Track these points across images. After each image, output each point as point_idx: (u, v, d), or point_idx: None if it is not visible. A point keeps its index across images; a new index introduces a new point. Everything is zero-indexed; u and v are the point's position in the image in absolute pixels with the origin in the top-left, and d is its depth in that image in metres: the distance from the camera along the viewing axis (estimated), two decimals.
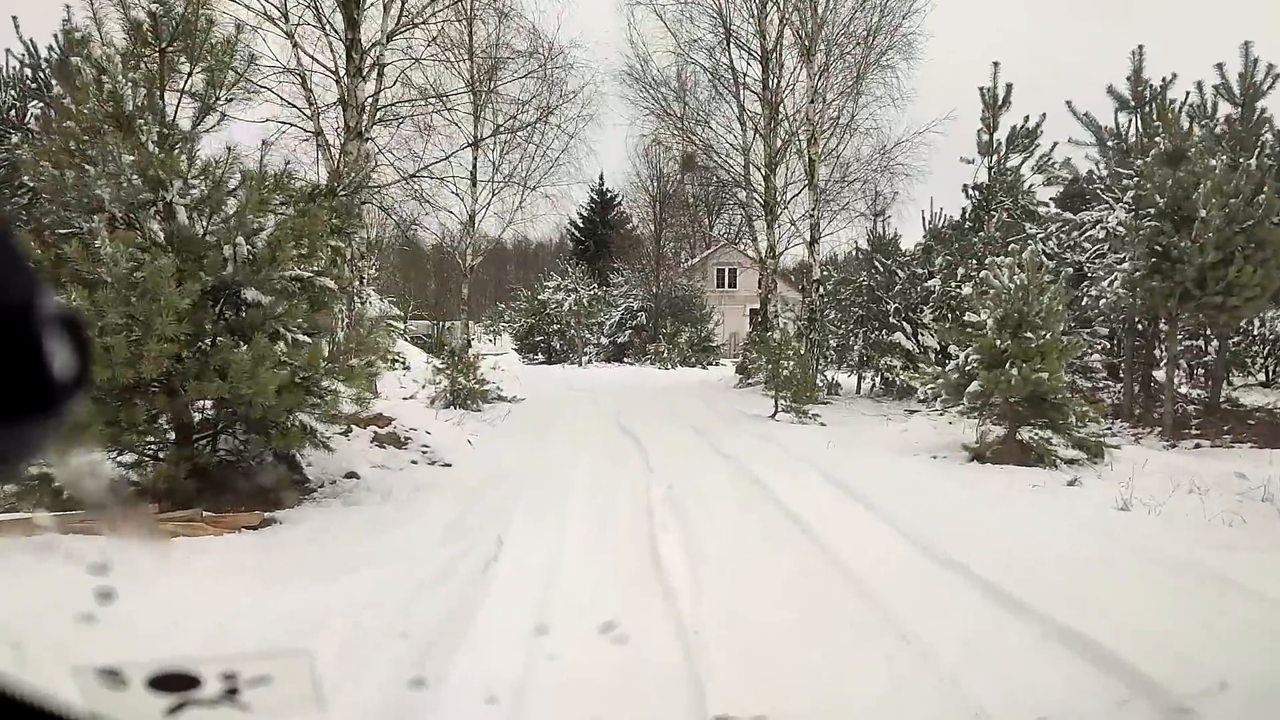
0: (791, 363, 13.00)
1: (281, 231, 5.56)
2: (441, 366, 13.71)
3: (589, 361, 29.85)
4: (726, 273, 36.94)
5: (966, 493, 7.00)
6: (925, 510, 5.88)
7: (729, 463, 8.49)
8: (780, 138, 17.90)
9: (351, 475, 6.49)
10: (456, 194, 19.63)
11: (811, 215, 17.70)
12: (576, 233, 41.74)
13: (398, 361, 23.27)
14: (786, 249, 19.03)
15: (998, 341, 9.04)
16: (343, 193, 6.53)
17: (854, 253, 18.31)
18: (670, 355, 27.67)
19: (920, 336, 16.40)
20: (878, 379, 16.85)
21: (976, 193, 15.17)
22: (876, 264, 16.67)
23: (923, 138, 17.52)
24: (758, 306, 23.62)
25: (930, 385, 9.60)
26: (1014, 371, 8.83)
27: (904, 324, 16.29)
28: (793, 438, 10.49)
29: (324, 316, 6.08)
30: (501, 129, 17.42)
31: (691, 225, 36.49)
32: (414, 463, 7.12)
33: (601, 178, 40.02)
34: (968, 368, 9.36)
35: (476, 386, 13.77)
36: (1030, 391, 8.82)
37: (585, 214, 41.16)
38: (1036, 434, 9.04)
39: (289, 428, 5.97)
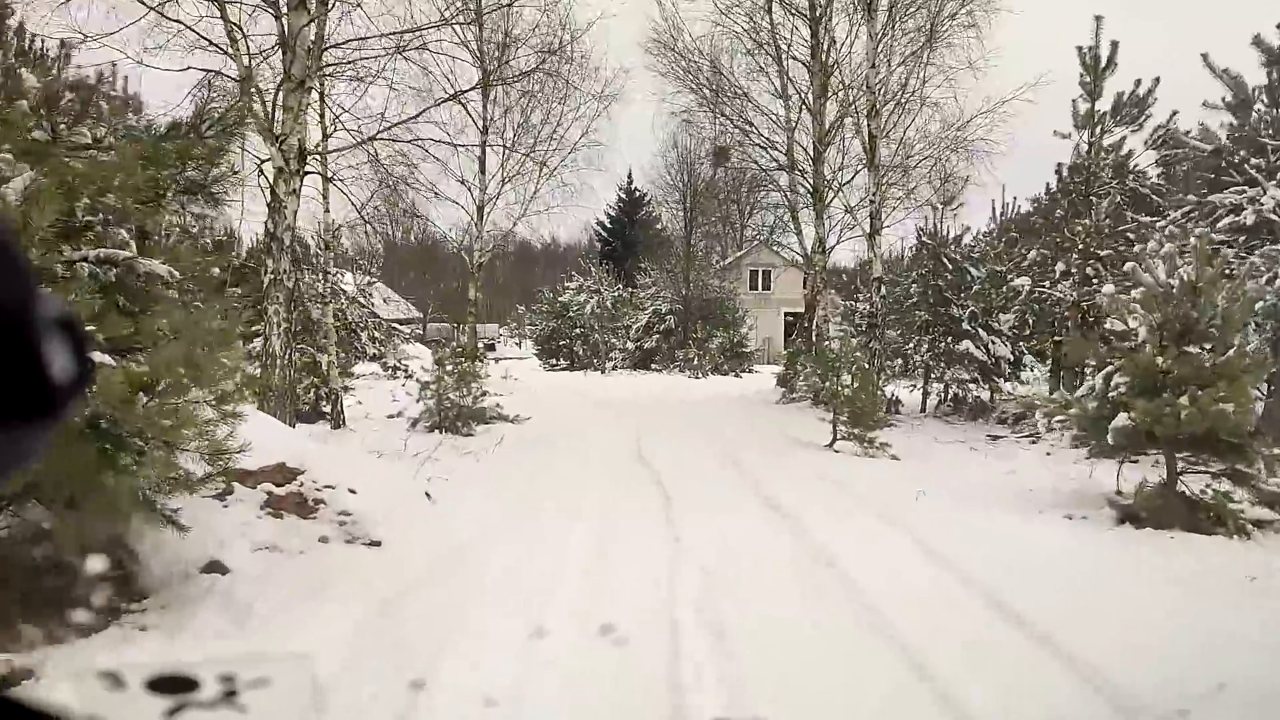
0: (853, 379, 10.54)
1: (53, 178, 3.27)
2: (429, 380, 11.43)
3: (614, 368, 27.50)
4: (760, 274, 34.16)
5: (1174, 594, 4.52)
6: (1151, 649, 3.44)
7: (787, 527, 6.10)
8: (832, 113, 15.37)
9: (213, 567, 4.17)
10: (463, 182, 17.42)
11: (872, 201, 15.09)
12: (604, 233, 39.78)
13: (399, 369, 21.37)
14: (839, 242, 16.42)
15: (1159, 359, 6.54)
16: (210, 132, 4.23)
17: (915, 248, 15.79)
18: (701, 362, 25.18)
19: (992, 345, 13.89)
20: (947, 395, 14.30)
21: (1073, 174, 12.57)
22: (945, 260, 14.12)
23: (1007, 107, 14.86)
24: (797, 310, 21.12)
25: (1060, 417, 7.08)
26: (1183, 401, 6.34)
27: (979, 331, 13.75)
28: (865, 480, 8.05)
29: (155, 321, 3.78)
30: (494, 77, 14.90)
31: (723, 222, 33.93)
32: (324, 540, 4.77)
33: (630, 176, 37.81)
34: (1111, 393, 6.86)
35: (471, 404, 11.48)
36: (1208, 428, 6.32)
37: (613, 214, 39.28)
38: (1210, 486, 6.56)
39: (94, 499, 3.73)
